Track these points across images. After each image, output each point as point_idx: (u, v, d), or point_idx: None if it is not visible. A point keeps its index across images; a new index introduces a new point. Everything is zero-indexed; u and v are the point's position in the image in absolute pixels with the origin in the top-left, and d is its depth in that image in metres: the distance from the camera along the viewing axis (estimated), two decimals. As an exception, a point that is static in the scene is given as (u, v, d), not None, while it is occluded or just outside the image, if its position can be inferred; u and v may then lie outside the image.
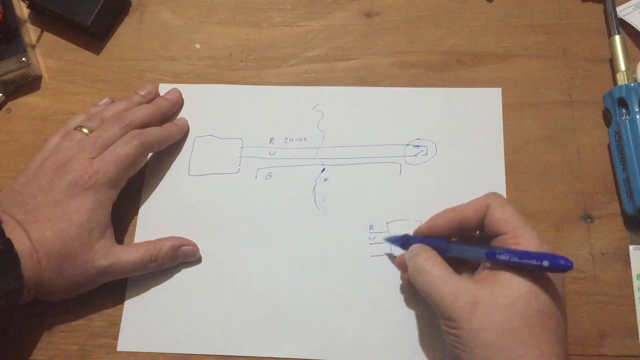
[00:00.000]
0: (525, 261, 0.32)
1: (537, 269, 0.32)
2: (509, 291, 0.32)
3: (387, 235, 0.43)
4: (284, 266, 0.43)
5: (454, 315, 0.33)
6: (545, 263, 0.31)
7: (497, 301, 0.32)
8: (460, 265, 0.38)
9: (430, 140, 0.46)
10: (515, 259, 0.32)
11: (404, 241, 0.40)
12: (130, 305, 0.43)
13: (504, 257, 0.33)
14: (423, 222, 0.39)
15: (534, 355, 0.31)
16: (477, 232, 0.38)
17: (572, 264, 0.30)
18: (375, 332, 0.41)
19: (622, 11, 0.48)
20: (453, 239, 0.38)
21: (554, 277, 0.34)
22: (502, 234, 0.35)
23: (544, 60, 0.48)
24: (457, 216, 0.37)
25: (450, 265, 0.36)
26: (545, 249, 0.33)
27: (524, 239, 0.34)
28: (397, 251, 0.42)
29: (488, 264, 0.35)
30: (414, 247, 0.38)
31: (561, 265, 0.30)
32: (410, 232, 0.41)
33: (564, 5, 0.50)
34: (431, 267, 0.35)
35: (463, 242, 0.38)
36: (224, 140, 0.48)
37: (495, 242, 0.35)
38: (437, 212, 0.38)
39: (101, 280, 0.41)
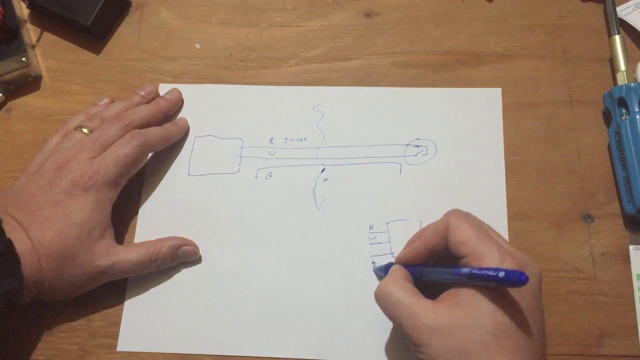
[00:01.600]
0: (481, 282, 0.32)
1: (496, 285, 0.31)
2: (466, 312, 0.32)
3: (386, 235, 0.43)
4: (284, 266, 0.43)
5: (416, 340, 0.33)
6: (500, 283, 0.31)
7: (454, 324, 0.32)
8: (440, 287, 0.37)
9: (430, 140, 0.46)
10: (474, 281, 0.32)
11: (389, 268, 0.40)
12: (130, 305, 0.43)
13: (464, 279, 0.33)
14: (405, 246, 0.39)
15: None
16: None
17: (526, 278, 0.30)
18: (375, 332, 0.41)
19: (622, 11, 0.48)
20: (431, 264, 0.38)
21: (521, 293, 0.33)
22: (464, 256, 0.34)
23: (544, 60, 0.48)
24: (424, 244, 0.37)
25: (430, 288, 0.35)
26: (507, 263, 0.33)
27: (485, 259, 0.33)
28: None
29: (456, 285, 0.34)
30: (392, 269, 0.38)
31: (515, 279, 0.30)
32: (411, 234, 0.41)
33: (564, 5, 0.50)
34: (395, 290, 0.35)
35: (437, 265, 0.38)
36: (224, 140, 0.48)
37: (461, 263, 0.35)
38: (436, 211, 0.38)
39: (101, 280, 0.41)
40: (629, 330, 0.40)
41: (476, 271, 0.32)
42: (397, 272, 0.37)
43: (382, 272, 0.41)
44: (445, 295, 0.35)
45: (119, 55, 0.52)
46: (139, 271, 0.42)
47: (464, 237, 0.34)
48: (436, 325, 0.33)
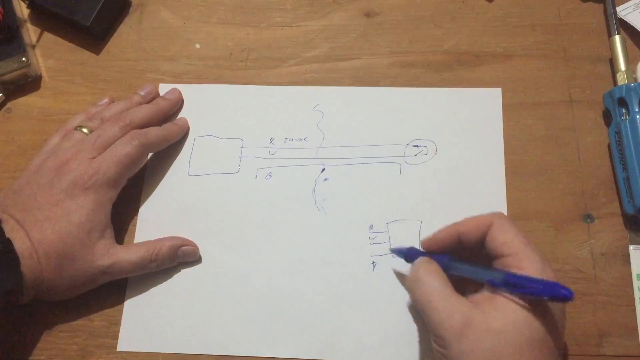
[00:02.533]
0: (525, 292, 0.31)
1: (537, 298, 0.31)
2: (504, 317, 0.32)
3: (386, 235, 0.43)
4: (284, 266, 0.43)
5: (444, 333, 0.32)
6: (546, 296, 0.30)
7: (489, 326, 0.32)
8: (464, 284, 0.37)
9: (430, 140, 0.46)
10: (514, 290, 0.32)
11: (409, 254, 0.39)
12: (130, 305, 0.43)
13: (502, 287, 0.32)
14: (426, 233, 0.38)
15: None
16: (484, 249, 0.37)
17: (572, 295, 0.30)
18: (375, 332, 0.41)
19: (622, 11, 0.48)
20: (458, 257, 0.37)
21: (553, 305, 0.33)
22: (504, 256, 0.34)
23: (544, 60, 0.48)
24: (457, 231, 0.37)
25: (453, 282, 0.35)
26: (548, 273, 0.32)
27: (526, 263, 0.33)
28: (400, 264, 0.41)
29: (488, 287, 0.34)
30: (420, 259, 0.37)
31: (562, 295, 0.30)
32: (411, 234, 0.40)
33: (564, 5, 0.50)
34: (430, 279, 0.35)
35: (467, 261, 0.37)
36: (224, 140, 0.48)
37: (497, 264, 0.35)
38: (436, 211, 0.38)
39: (101, 280, 0.41)
40: (629, 330, 0.40)
41: (518, 280, 0.31)
42: (432, 263, 0.36)
43: (402, 255, 0.40)
44: (480, 296, 0.34)
45: (119, 55, 0.52)
46: (138, 271, 0.42)
47: (508, 238, 0.34)
48: (471, 322, 0.32)
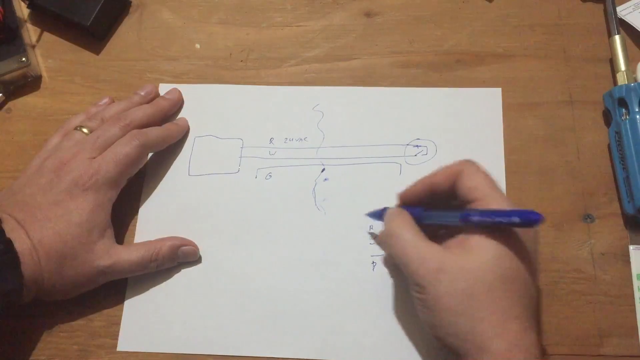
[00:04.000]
0: (495, 219, 0.32)
1: (508, 225, 0.32)
2: (476, 257, 0.33)
3: None
4: (284, 266, 0.43)
5: (420, 280, 0.34)
6: (515, 219, 0.31)
7: (462, 267, 0.33)
8: (440, 233, 0.38)
9: (430, 140, 0.46)
10: (486, 218, 0.33)
11: (384, 214, 0.40)
12: (130, 305, 0.43)
13: (475, 217, 0.33)
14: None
15: (495, 319, 0.32)
16: (456, 199, 0.37)
17: (541, 217, 0.31)
18: (374, 332, 0.41)
19: (622, 11, 0.48)
20: (431, 208, 0.38)
21: (524, 242, 0.34)
22: (473, 200, 0.35)
23: (544, 60, 0.48)
24: (430, 182, 0.38)
25: (431, 234, 0.36)
26: None
27: (495, 204, 0.34)
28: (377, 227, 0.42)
29: (463, 231, 0.35)
30: (390, 211, 0.38)
31: (532, 219, 0.31)
32: None
33: (564, 5, 0.50)
34: (402, 232, 0.36)
35: (440, 209, 0.38)
36: (224, 140, 0.48)
37: (468, 208, 0.36)
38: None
39: (101, 280, 0.41)
40: (629, 330, 0.40)
41: (489, 211, 0.33)
42: (402, 214, 0.37)
43: (376, 217, 0.41)
44: (453, 240, 0.35)
45: (119, 55, 0.52)
46: (139, 271, 0.42)
47: (477, 183, 0.35)
48: (444, 267, 0.33)
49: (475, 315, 0.32)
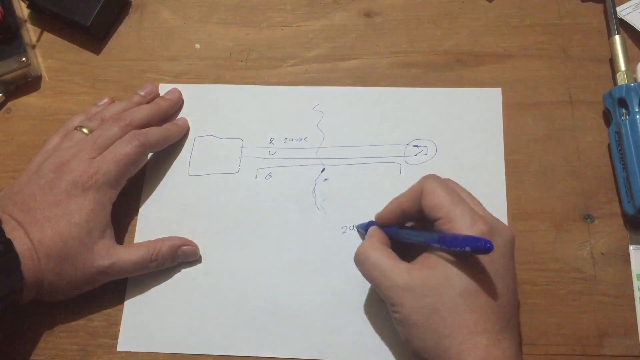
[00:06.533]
0: (450, 247, 0.33)
1: (463, 253, 0.33)
2: (436, 273, 0.34)
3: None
4: (284, 266, 0.43)
5: (392, 300, 0.35)
6: (467, 248, 0.32)
7: (425, 285, 0.34)
8: (416, 248, 0.38)
9: (430, 140, 0.46)
10: (443, 245, 0.34)
11: (368, 227, 0.41)
12: (130, 305, 0.43)
13: (435, 244, 0.35)
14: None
15: (461, 334, 0.33)
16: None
17: (490, 245, 0.31)
18: (375, 332, 0.41)
19: (622, 11, 0.48)
20: (406, 226, 0.40)
21: (491, 256, 0.34)
22: (438, 218, 0.35)
23: (544, 60, 0.48)
24: (398, 206, 0.38)
25: (406, 249, 0.37)
26: (478, 226, 0.34)
27: (457, 222, 0.34)
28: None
29: (428, 249, 0.36)
30: (370, 230, 0.40)
31: (481, 247, 0.31)
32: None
33: (564, 5, 0.50)
34: (372, 254, 0.37)
35: (413, 228, 0.40)
36: (224, 140, 0.48)
37: (435, 226, 0.36)
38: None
39: (101, 280, 0.41)
40: (629, 330, 0.40)
41: (445, 239, 0.34)
42: (375, 235, 0.39)
43: (363, 229, 0.42)
44: (419, 258, 0.36)
45: (119, 55, 0.52)
46: (138, 271, 0.42)
47: (437, 201, 0.36)
48: (409, 285, 0.34)
49: (441, 331, 0.33)
